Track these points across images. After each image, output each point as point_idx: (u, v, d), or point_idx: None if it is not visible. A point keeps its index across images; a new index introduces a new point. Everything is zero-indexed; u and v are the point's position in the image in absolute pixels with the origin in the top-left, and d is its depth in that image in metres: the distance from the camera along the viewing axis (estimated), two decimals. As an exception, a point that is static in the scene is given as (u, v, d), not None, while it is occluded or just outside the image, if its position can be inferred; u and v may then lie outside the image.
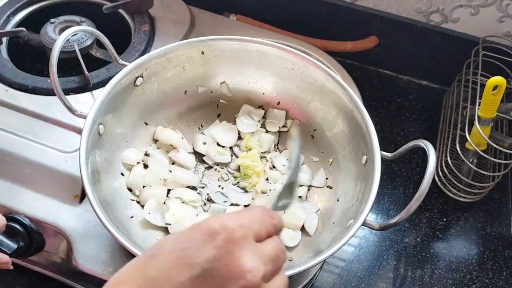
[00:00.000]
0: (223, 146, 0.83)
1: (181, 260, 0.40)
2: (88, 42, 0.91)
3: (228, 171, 0.82)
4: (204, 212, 0.77)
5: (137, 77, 0.78)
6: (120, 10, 1.00)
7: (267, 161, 0.83)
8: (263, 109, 0.87)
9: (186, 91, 0.85)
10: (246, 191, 0.80)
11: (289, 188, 0.52)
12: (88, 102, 0.83)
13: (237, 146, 0.85)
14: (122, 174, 0.77)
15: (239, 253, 0.40)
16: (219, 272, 0.39)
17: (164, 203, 0.76)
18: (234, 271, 0.39)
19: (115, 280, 0.41)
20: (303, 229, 0.76)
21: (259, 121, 0.85)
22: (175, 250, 0.40)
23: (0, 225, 0.66)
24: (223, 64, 0.84)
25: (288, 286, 0.44)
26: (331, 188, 0.79)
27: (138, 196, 0.76)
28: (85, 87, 0.87)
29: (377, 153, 0.70)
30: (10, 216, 0.73)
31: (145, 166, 0.79)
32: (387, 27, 1.05)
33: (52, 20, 0.94)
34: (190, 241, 0.41)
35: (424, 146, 0.67)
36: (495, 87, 0.80)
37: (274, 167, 0.83)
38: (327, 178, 0.81)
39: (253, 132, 0.84)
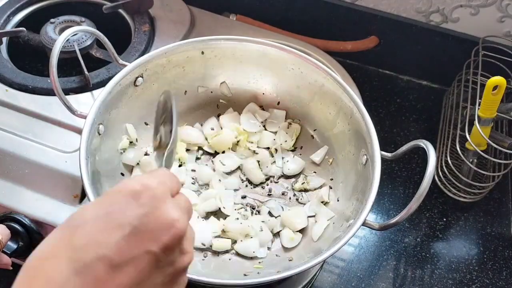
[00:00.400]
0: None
1: (109, 223, 0.41)
2: (88, 42, 0.91)
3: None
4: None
5: (137, 77, 0.78)
6: (120, 10, 1.00)
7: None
8: (263, 109, 0.87)
9: (186, 91, 0.85)
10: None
11: (170, 156, 0.55)
12: (88, 102, 0.83)
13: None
14: (122, 175, 0.77)
15: (164, 207, 0.42)
16: (150, 226, 0.41)
17: None
18: (164, 223, 0.42)
19: (37, 257, 0.41)
20: (307, 233, 0.76)
21: (261, 122, 0.85)
22: (99, 216, 0.41)
23: (4, 236, 0.67)
24: (223, 64, 0.84)
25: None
26: (331, 188, 0.79)
27: None
28: (85, 87, 0.87)
29: (377, 153, 0.70)
30: (10, 216, 0.73)
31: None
32: (387, 27, 1.05)
33: (52, 20, 0.94)
34: (113, 204, 0.42)
35: (424, 146, 0.67)
36: (495, 87, 0.81)
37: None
38: (331, 179, 0.81)
39: (255, 132, 0.84)
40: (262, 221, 0.76)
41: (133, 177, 0.47)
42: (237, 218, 0.75)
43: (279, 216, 0.77)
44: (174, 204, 0.44)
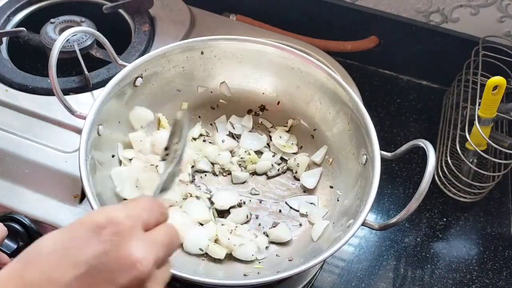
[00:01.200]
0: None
1: (64, 259, 0.38)
2: (88, 42, 0.91)
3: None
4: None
5: (136, 78, 0.78)
6: (120, 10, 1.00)
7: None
8: (262, 109, 0.87)
9: (186, 91, 0.85)
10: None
11: (171, 177, 0.53)
12: (88, 102, 0.83)
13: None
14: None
15: (127, 244, 0.39)
16: (108, 267, 0.38)
17: None
18: (124, 263, 0.38)
19: None
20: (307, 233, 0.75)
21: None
22: (56, 250, 0.38)
23: (1, 233, 0.66)
24: (223, 64, 0.84)
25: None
26: (331, 188, 0.79)
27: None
28: (85, 87, 0.87)
29: (377, 153, 0.70)
30: (10, 216, 0.73)
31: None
32: (387, 27, 1.05)
33: (52, 20, 0.94)
34: (73, 239, 0.39)
35: (424, 146, 0.67)
36: (495, 87, 0.80)
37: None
38: (331, 186, 0.81)
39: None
40: (254, 234, 0.74)
41: (102, 208, 0.45)
42: (230, 232, 0.74)
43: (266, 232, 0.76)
44: (142, 241, 0.40)
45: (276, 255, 0.74)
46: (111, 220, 0.39)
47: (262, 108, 0.87)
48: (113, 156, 0.76)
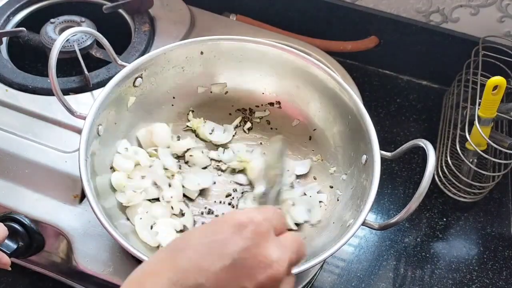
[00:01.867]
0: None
1: (211, 251, 0.41)
2: (88, 42, 0.91)
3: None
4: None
5: (136, 78, 0.78)
6: (120, 10, 1.00)
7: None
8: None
9: (185, 91, 0.85)
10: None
11: (278, 195, 0.57)
12: (88, 102, 0.83)
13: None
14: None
15: (265, 245, 0.42)
16: (249, 263, 0.41)
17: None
18: (263, 261, 0.42)
19: (142, 272, 0.43)
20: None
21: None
22: (203, 242, 0.42)
23: (0, 236, 0.66)
24: (223, 64, 0.84)
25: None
26: (331, 188, 0.79)
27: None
28: (85, 87, 0.87)
29: (377, 153, 0.70)
30: (10, 216, 0.73)
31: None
32: (387, 27, 1.05)
33: (52, 20, 0.94)
34: (218, 233, 0.42)
35: (424, 146, 0.67)
36: (495, 87, 0.81)
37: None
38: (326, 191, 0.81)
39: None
40: None
41: (244, 210, 0.50)
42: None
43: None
44: (276, 243, 0.44)
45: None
46: (252, 220, 0.43)
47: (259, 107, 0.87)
48: (113, 155, 0.76)
